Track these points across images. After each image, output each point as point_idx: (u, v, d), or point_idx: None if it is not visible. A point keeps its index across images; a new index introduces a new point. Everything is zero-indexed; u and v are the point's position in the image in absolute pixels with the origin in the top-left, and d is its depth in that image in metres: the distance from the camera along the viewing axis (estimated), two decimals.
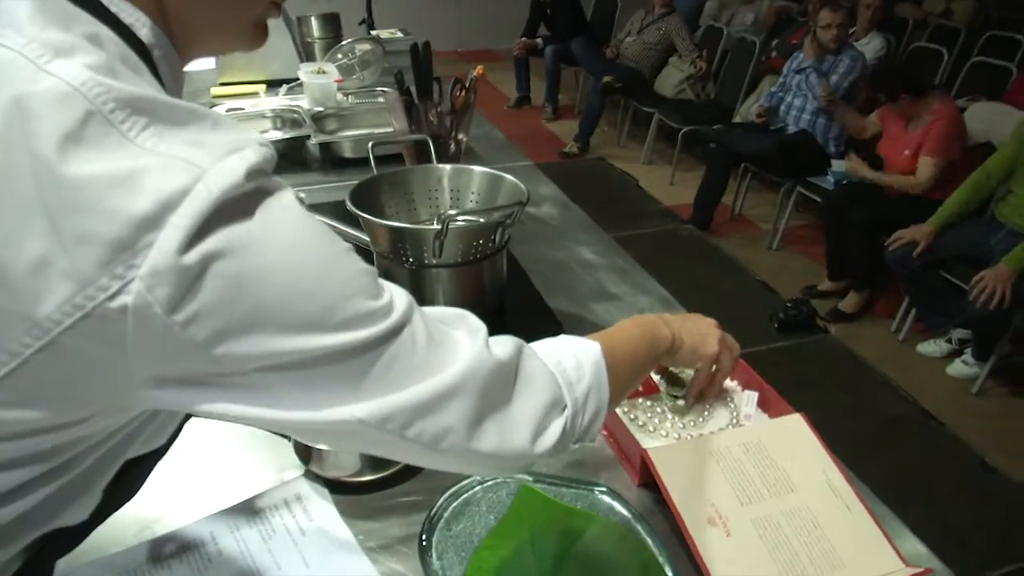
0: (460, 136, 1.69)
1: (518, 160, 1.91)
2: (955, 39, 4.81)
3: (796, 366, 2.69)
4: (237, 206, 0.42)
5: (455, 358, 0.53)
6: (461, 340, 0.55)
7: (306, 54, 2.56)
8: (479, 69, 1.67)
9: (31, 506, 0.50)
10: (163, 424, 0.60)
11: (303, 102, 2.11)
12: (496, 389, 0.56)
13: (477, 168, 1.21)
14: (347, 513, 0.86)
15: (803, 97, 3.92)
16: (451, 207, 1.25)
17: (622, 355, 0.71)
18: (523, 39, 6.15)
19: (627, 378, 0.73)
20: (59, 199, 0.39)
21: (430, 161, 1.46)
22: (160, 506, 0.86)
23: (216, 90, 2.34)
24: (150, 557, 0.81)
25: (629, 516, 0.82)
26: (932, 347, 3.18)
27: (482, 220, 1.08)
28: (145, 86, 0.44)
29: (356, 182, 1.15)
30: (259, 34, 0.60)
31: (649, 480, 0.88)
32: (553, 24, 5.99)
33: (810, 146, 3.88)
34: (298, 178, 1.79)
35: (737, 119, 4.72)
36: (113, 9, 0.48)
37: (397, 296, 0.51)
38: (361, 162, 1.86)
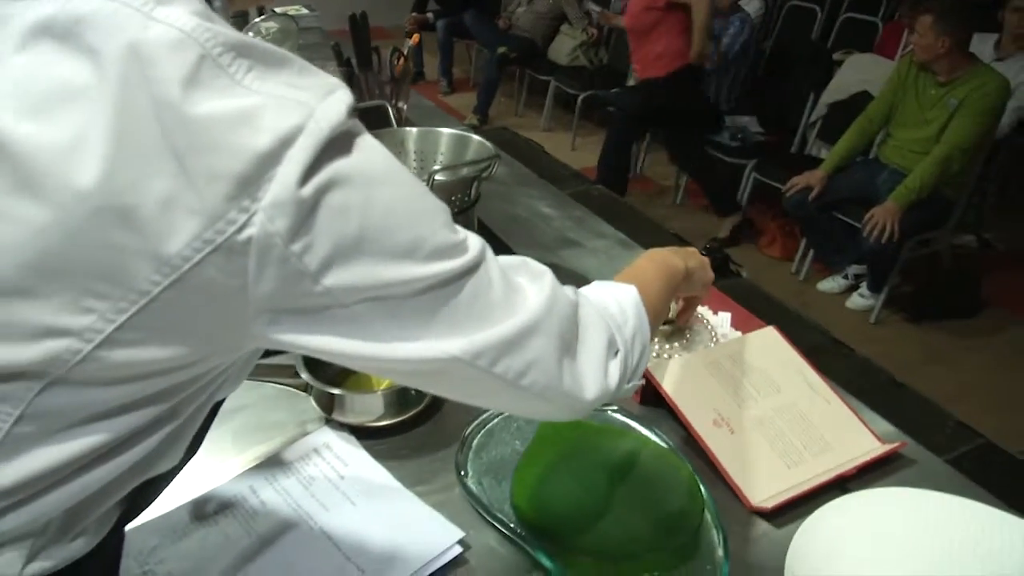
0: (400, 104, 1.72)
1: (454, 125, 1.95)
2: None
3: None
4: (341, 142, 0.45)
5: (526, 299, 0.56)
6: (524, 285, 0.57)
7: None
8: (415, 38, 1.70)
9: (146, 452, 0.52)
10: (247, 366, 0.62)
11: None
12: (568, 330, 0.58)
13: (445, 130, 1.26)
14: (375, 457, 0.91)
15: None
16: (416, 169, 1.30)
17: (650, 292, 0.75)
18: (414, 14, 6.12)
19: (658, 314, 0.77)
20: (186, 139, 0.41)
21: (380, 128, 1.49)
22: (187, 468, 0.88)
23: None
24: (193, 517, 0.83)
25: (642, 428, 0.91)
26: (831, 284, 3.43)
27: (462, 173, 1.14)
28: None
29: None
30: None
31: (649, 398, 0.96)
32: None
33: (704, 102, 4.07)
34: None
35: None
36: None
37: (471, 234, 0.54)
38: None
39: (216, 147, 0.41)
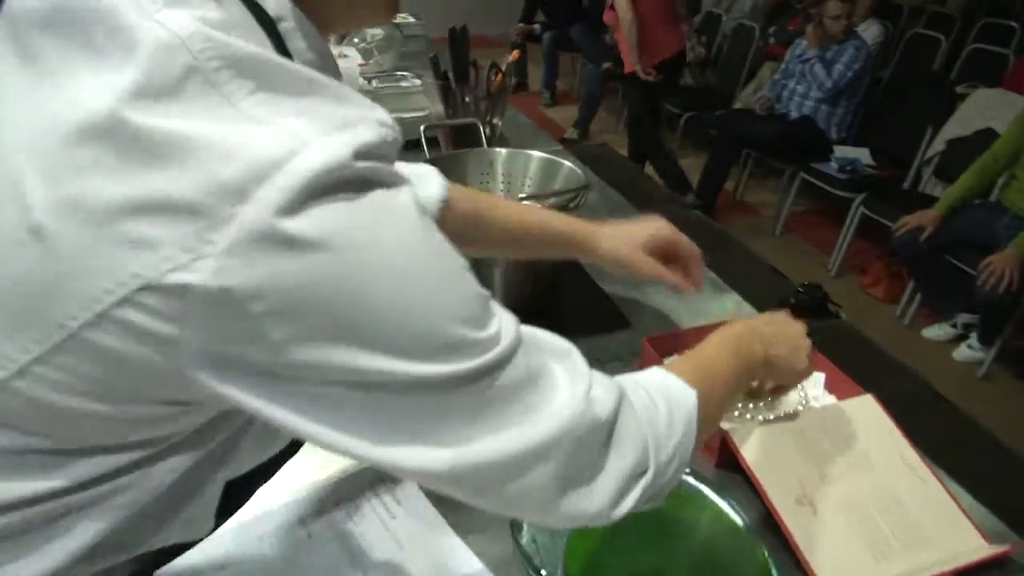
0: (495, 120, 1.69)
1: (548, 145, 1.91)
2: (951, 26, 4.85)
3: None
4: (338, 190, 0.37)
5: (551, 408, 0.47)
6: (560, 384, 0.49)
7: None
8: (515, 53, 1.67)
9: (120, 520, 0.47)
10: (260, 441, 0.57)
11: None
12: (587, 451, 0.50)
13: (535, 152, 1.22)
14: (428, 497, 0.87)
15: (806, 84, 3.94)
16: (503, 192, 1.26)
17: (716, 387, 0.66)
18: (521, 25, 6.13)
19: (718, 416, 0.69)
20: (134, 156, 0.36)
21: (471, 146, 1.46)
22: None
23: None
24: (237, 543, 0.81)
25: (715, 496, 0.84)
26: (937, 331, 3.22)
27: (548, 202, 1.09)
28: (263, 49, 0.40)
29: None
30: (396, 6, 0.56)
31: (727, 461, 0.89)
32: (550, 10, 5.97)
33: (812, 132, 3.90)
34: None
35: (738, 105, 4.74)
36: None
37: (505, 327, 0.46)
38: None
39: (168, 168, 0.35)
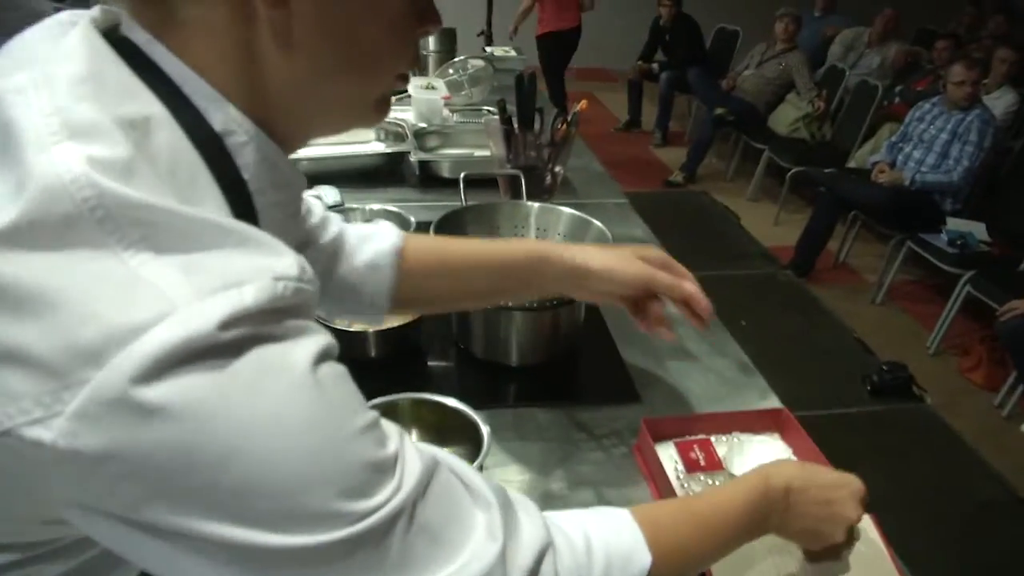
0: (557, 169, 1.69)
1: (613, 196, 1.88)
2: None
3: (884, 434, 2.55)
4: (202, 357, 0.36)
5: (452, 568, 0.44)
6: (475, 538, 0.46)
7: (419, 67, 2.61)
8: (583, 103, 1.66)
9: None
10: None
11: (409, 115, 2.14)
12: None
13: (565, 209, 1.21)
14: None
15: (923, 149, 3.75)
16: None
17: (705, 551, 0.64)
18: (639, 62, 6.11)
19: (697, 567, 0.66)
20: (4, 296, 0.35)
21: (531, 192, 1.46)
22: None
23: None
24: None
25: None
26: None
27: None
28: (164, 192, 0.38)
29: (448, 203, 1.15)
30: (382, 110, 0.55)
31: None
32: (671, 50, 5.93)
33: (926, 201, 3.71)
34: (396, 193, 1.82)
35: (852, 164, 4.55)
36: (186, 90, 0.44)
37: (407, 479, 0.43)
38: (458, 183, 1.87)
39: (33, 321, 0.35)
